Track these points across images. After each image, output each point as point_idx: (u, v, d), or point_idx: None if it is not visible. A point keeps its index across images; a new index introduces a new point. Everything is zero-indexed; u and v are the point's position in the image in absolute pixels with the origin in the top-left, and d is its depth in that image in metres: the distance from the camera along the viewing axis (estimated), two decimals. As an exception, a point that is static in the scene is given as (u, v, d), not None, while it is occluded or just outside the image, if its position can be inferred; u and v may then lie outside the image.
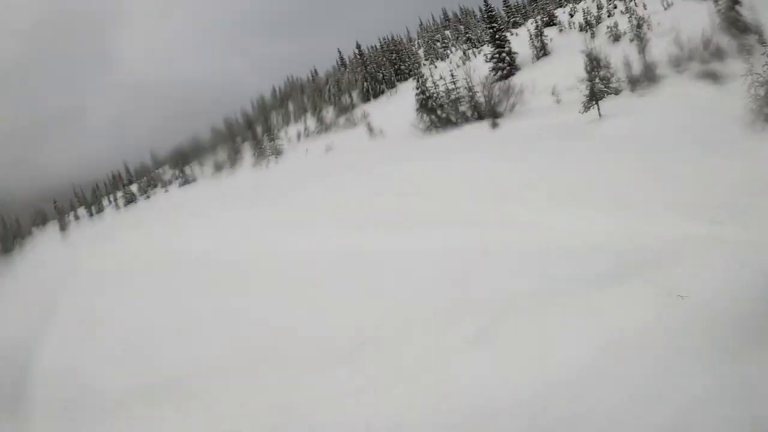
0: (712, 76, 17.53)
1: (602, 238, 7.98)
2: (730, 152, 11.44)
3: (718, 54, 18.62)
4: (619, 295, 6.18)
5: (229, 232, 14.03)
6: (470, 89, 25.91)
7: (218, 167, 61.59)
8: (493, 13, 42.58)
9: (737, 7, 20.69)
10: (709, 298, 5.80)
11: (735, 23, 20.15)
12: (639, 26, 31.85)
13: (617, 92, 21.31)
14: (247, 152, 60.93)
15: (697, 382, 4.48)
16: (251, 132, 60.18)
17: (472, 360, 5.09)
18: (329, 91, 66.58)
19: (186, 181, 59.33)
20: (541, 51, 38.94)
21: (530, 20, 47.36)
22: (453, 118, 26.42)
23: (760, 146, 11.52)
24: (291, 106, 74.75)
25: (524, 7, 57.45)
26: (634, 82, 20.90)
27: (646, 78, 20.43)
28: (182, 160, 72.18)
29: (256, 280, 9.22)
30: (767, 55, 13.13)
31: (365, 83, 60.58)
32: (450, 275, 6.45)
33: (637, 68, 21.09)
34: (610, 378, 4.96)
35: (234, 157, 64.18)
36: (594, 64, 19.28)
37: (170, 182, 62.76)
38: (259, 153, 55.53)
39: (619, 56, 21.59)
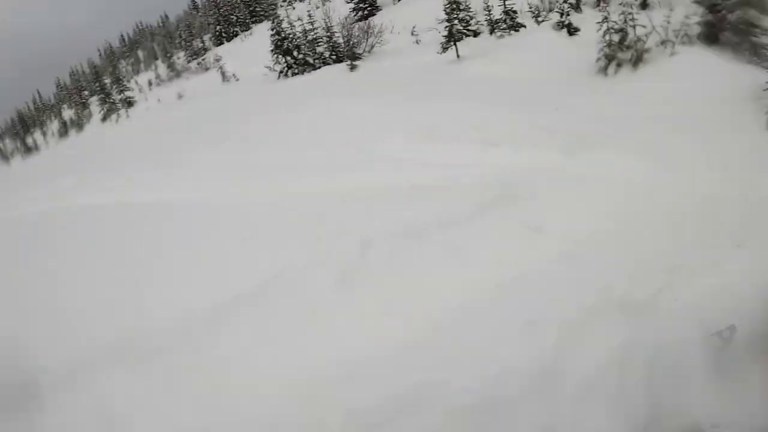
0: (569, 26, 18.46)
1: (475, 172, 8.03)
2: (585, 91, 12.60)
3: (577, 5, 19.62)
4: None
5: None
6: (328, 29, 25.22)
7: (64, 129, 55.83)
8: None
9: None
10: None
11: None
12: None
13: (476, 34, 21.86)
14: (96, 106, 55.49)
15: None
16: (99, 84, 53.34)
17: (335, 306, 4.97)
18: (180, 36, 61.82)
19: (29, 152, 53.15)
20: (403, -7, 37.93)
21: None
22: (311, 60, 25.70)
23: (611, 87, 12.76)
24: (140, 54, 69.20)
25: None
26: (493, 27, 21.17)
27: (505, 24, 20.82)
28: (23, 128, 66.88)
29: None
30: (623, 4, 14.06)
31: (218, 26, 56.82)
32: (309, 219, 6.13)
33: (497, 14, 21.36)
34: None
35: (81, 113, 58.61)
36: (454, 5, 19.97)
37: (12, 155, 55.49)
38: (109, 107, 50.03)
39: (480, 1, 21.43)
